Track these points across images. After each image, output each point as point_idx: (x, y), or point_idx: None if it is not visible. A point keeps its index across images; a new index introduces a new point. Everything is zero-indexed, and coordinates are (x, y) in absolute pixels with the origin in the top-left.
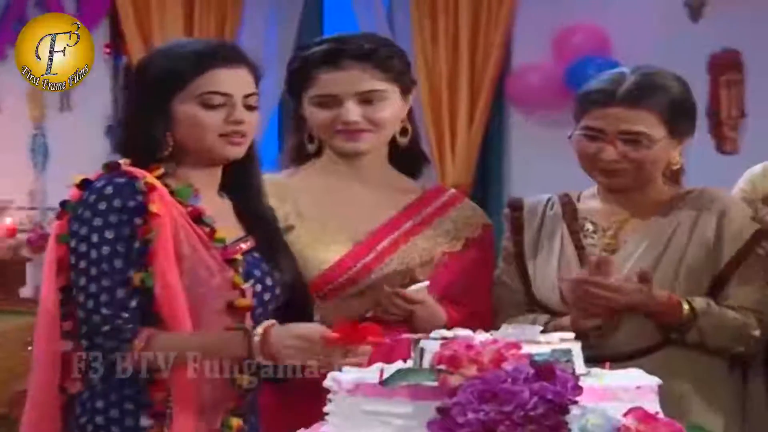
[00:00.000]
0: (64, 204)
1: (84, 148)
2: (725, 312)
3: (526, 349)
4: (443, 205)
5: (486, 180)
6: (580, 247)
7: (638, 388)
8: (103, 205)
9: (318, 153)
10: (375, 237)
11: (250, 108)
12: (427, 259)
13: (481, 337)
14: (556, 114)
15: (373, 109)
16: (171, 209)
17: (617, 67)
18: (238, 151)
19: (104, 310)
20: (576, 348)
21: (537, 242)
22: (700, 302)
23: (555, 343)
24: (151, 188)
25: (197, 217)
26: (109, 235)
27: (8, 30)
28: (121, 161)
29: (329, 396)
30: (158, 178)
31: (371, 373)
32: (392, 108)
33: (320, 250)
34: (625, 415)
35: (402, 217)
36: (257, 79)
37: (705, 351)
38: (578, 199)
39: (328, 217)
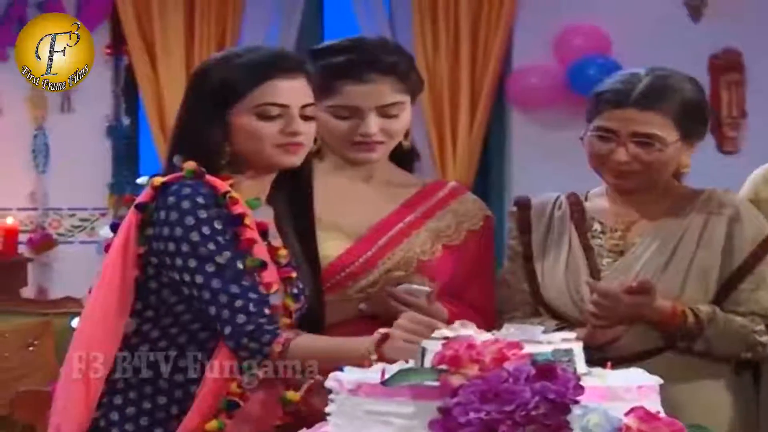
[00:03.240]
0: (141, 207)
1: (85, 149)
2: (732, 320)
3: (528, 348)
4: (444, 198)
5: (487, 180)
6: (588, 248)
7: (640, 387)
8: (203, 213)
9: (318, 152)
10: (376, 231)
11: (306, 118)
12: (428, 253)
13: (482, 336)
14: (557, 114)
15: (391, 122)
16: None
17: (617, 68)
18: (294, 160)
19: (251, 307)
20: (577, 348)
21: (545, 242)
22: (706, 311)
23: (556, 342)
24: (234, 202)
25: (263, 233)
26: (222, 240)
27: (9, 32)
28: (189, 164)
29: (330, 396)
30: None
31: (373, 373)
32: (406, 117)
33: (322, 246)
34: (626, 414)
35: (403, 210)
36: (314, 87)
37: (710, 355)
38: (586, 199)
39: (330, 215)
